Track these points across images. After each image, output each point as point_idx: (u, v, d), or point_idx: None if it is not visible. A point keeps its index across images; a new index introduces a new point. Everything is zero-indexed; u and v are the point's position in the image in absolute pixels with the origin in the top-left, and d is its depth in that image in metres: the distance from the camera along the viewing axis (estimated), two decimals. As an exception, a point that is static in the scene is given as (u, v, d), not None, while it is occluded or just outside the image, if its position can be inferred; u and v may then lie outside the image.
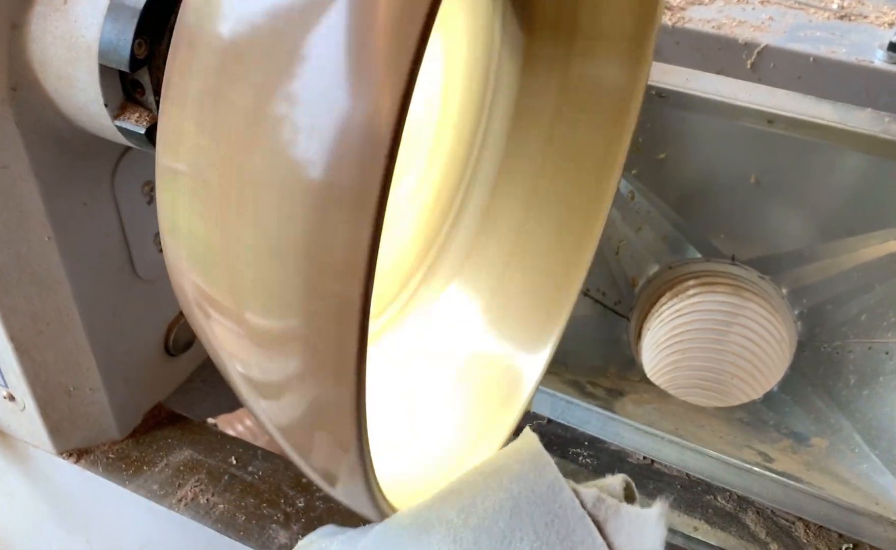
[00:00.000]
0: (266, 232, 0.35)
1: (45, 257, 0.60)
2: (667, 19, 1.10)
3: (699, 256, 1.04)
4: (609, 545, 0.50)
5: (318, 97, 0.33)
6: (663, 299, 1.12)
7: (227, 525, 0.67)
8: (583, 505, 0.52)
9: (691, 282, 1.10)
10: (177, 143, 0.38)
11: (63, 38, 0.51)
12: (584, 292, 1.01)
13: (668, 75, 0.85)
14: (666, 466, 0.78)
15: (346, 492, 0.46)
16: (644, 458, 0.79)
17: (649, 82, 0.87)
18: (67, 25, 0.51)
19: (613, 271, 1.04)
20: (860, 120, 0.79)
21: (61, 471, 0.74)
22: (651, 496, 0.77)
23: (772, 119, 0.82)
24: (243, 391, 0.44)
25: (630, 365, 1.01)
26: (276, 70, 0.34)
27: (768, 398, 0.97)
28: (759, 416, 0.93)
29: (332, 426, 0.40)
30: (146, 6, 0.48)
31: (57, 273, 0.62)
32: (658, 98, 0.86)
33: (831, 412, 0.90)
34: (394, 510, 0.50)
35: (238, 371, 0.42)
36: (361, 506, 0.48)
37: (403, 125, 0.31)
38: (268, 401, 0.42)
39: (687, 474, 0.77)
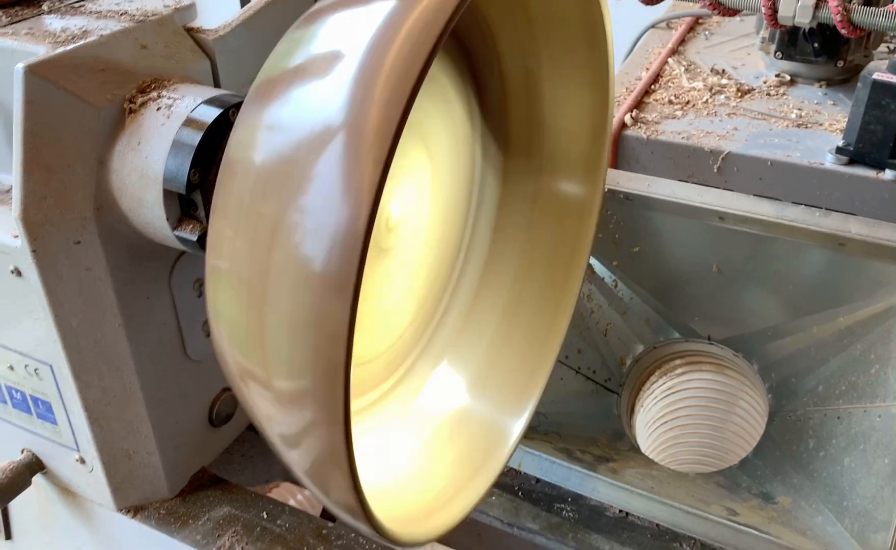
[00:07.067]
0: (283, 313, 0.48)
1: (115, 342, 0.75)
2: (642, 132, 1.25)
3: (679, 336, 1.16)
4: None
5: (321, 208, 0.46)
6: (653, 378, 1.23)
7: (259, 568, 0.80)
8: None
9: (678, 362, 1.21)
10: (219, 246, 0.52)
11: (136, 170, 0.67)
12: (577, 370, 1.13)
13: (633, 182, 0.99)
14: (638, 518, 0.89)
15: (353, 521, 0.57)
16: (619, 511, 0.89)
17: (617, 188, 1.01)
18: (140, 160, 0.66)
19: (603, 352, 1.16)
20: (795, 214, 0.91)
21: (121, 526, 0.87)
22: (625, 544, 0.87)
23: (722, 216, 0.96)
24: (278, 446, 0.55)
25: (619, 436, 1.12)
26: (291, 189, 0.48)
27: (744, 462, 1.07)
28: (734, 479, 1.03)
29: (332, 462, 0.51)
30: (199, 144, 0.64)
31: (124, 354, 0.76)
32: (626, 200, 1.00)
33: (795, 473, 1.00)
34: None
35: (272, 430, 0.54)
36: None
37: (373, 222, 0.45)
38: (294, 450, 0.54)
39: (657, 524, 0.88)
